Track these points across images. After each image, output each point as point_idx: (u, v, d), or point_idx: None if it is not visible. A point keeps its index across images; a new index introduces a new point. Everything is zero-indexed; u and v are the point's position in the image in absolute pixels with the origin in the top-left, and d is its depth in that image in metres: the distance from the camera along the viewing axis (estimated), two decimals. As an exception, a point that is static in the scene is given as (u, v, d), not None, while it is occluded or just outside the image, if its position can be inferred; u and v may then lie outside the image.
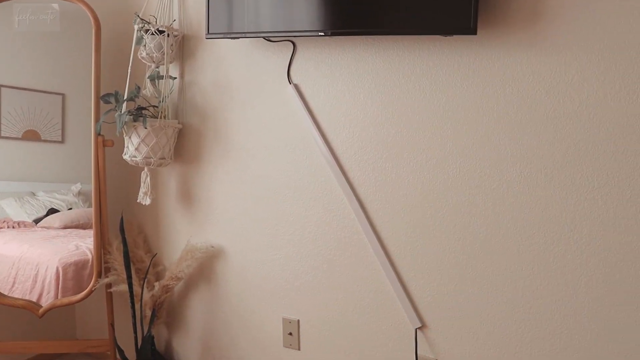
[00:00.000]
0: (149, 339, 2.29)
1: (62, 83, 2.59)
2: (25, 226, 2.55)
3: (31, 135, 2.57)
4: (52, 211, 2.60)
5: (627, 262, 1.65)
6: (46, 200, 2.61)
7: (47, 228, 2.59)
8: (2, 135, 2.55)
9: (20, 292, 2.47)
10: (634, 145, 1.61)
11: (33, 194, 2.61)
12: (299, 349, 2.22)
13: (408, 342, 2.00)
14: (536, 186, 1.75)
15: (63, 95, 2.60)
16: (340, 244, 2.09)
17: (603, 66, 1.63)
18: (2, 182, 2.55)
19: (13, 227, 2.57)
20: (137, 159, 2.24)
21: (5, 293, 2.47)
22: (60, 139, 2.62)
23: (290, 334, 2.23)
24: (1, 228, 2.55)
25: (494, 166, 1.81)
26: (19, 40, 2.47)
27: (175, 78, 2.34)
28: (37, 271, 2.49)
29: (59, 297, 2.41)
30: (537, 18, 1.70)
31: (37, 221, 2.57)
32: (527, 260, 1.78)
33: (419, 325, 1.97)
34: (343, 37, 2.00)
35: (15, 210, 2.58)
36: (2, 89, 2.53)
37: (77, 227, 2.61)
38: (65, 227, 2.62)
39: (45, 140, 2.56)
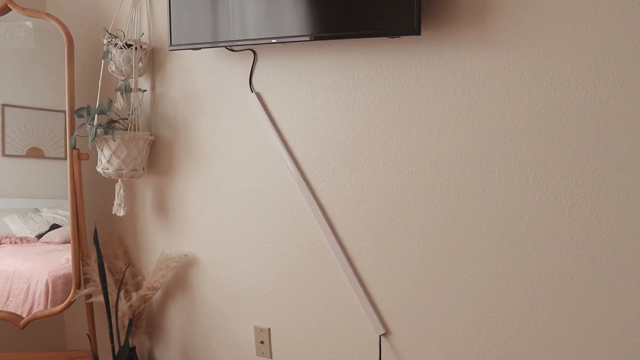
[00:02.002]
0: (125, 349, 2.31)
1: (64, 101, 2.63)
2: (28, 242, 2.60)
3: (35, 153, 2.61)
4: (54, 227, 2.63)
5: (584, 263, 1.60)
6: (49, 216, 2.64)
7: (48, 243, 2.62)
8: (7, 153, 2.59)
9: (14, 305, 2.52)
10: (584, 142, 1.57)
11: (37, 210, 2.64)
12: (270, 357, 2.21)
13: (374, 349, 1.97)
14: (491, 187, 1.72)
15: (65, 112, 2.65)
16: (305, 252, 2.08)
17: (552, 62, 1.60)
18: (6, 199, 2.59)
19: (15, 243, 2.61)
20: (109, 171, 2.27)
21: (0, 307, 2.52)
22: (63, 156, 2.65)
23: (262, 342, 2.22)
24: (3, 244, 2.60)
25: (448, 168, 1.78)
26: (20, 59, 2.52)
27: (145, 90, 2.37)
28: (29, 285, 2.53)
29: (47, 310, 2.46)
30: (483, 16, 1.68)
31: (39, 236, 2.61)
32: (485, 263, 1.74)
33: (383, 332, 1.94)
34: (298, 43, 2.00)
35: (19, 227, 2.62)
36: (6, 108, 2.59)
37: (77, 241, 2.65)
38: (65, 242, 2.65)
39: (49, 157, 2.59)
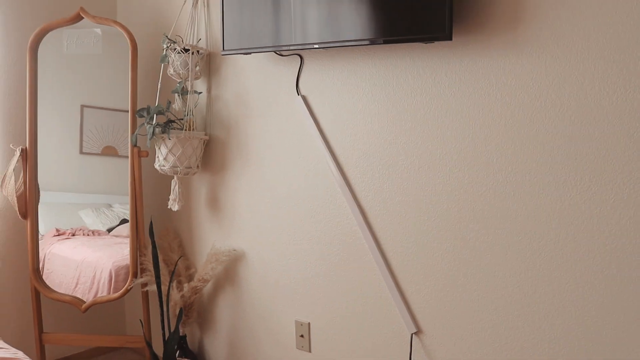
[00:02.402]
0: (174, 336, 2.44)
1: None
2: (99, 234, 2.78)
3: (109, 151, 2.78)
4: (124, 221, 2.79)
5: (612, 269, 1.60)
6: (120, 211, 2.79)
7: (117, 236, 2.79)
8: (84, 151, 2.78)
9: (82, 291, 2.70)
10: (614, 147, 1.57)
11: (109, 206, 2.81)
12: (309, 351, 2.29)
13: (406, 347, 2.02)
14: (522, 191, 1.74)
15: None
16: (344, 250, 2.15)
17: (583, 68, 1.61)
18: (82, 194, 2.77)
19: (87, 235, 2.80)
20: (165, 168, 2.41)
21: (70, 292, 2.71)
22: (136, 155, 2.81)
23: (302, 336, 2.30)
24: (76, 235, 2.79)
25: (480, 171, 1.81)
26: (94, 63, 2.70)
27: (200, 92, 2.51)
28: (95, 273, 2.71)
29: (110, 297, 2.63)
30: (515, 22, 1.70)
31: (110, 230, 2.78)
32: (515, 266, 1.76)
33: (415, 330, 1.98)
34: (340, 49, 2.08)
35: (92, 220, 2.80)
36: (85, 109, 2.78)
37: (143, 235, 2.81)
38: (132, 236, 2.82)
39: (122, 156, 2.74)
